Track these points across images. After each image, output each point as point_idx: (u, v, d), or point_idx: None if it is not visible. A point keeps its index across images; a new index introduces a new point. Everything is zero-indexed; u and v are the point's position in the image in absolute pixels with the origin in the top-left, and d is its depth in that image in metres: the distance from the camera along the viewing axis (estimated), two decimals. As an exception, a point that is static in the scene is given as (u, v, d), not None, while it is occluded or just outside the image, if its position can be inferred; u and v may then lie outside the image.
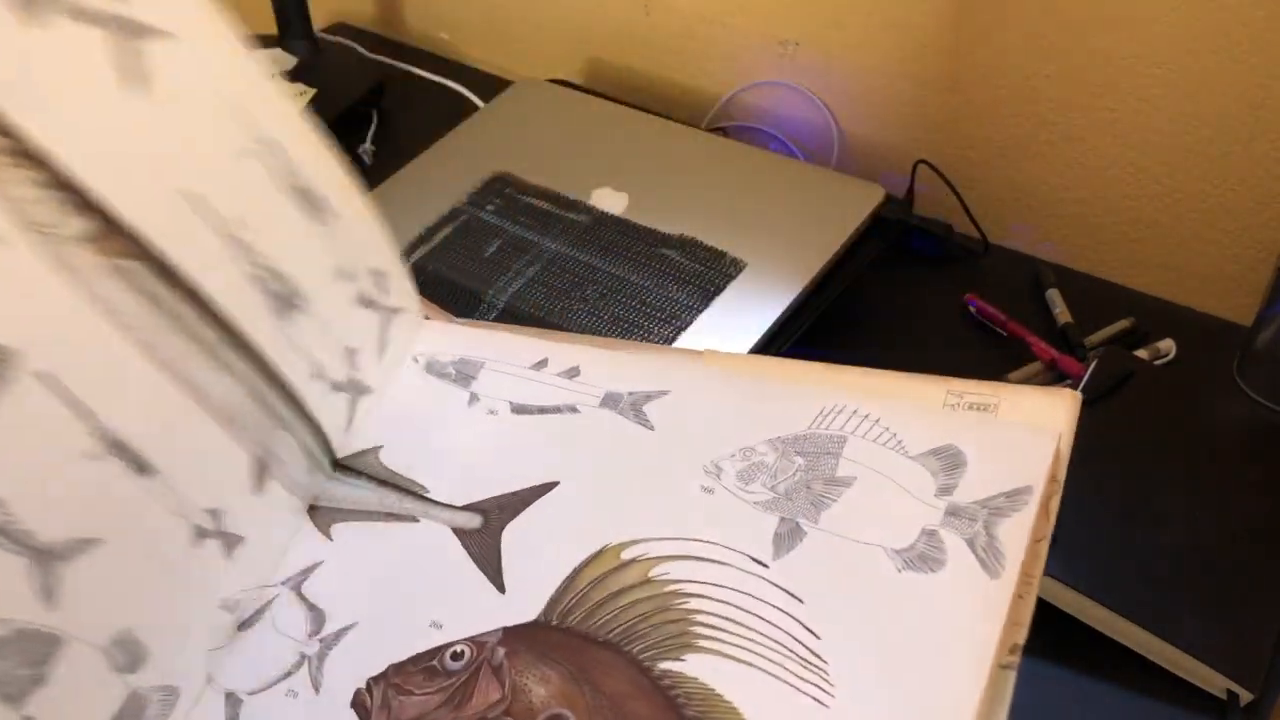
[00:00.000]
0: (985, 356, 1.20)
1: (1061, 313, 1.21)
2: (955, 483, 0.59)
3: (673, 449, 0.66)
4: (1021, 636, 0.56)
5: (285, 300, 0.59)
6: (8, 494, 0.48)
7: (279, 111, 0.61)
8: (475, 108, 1.44)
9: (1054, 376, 1.17)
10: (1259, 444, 1.05)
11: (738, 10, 1.44)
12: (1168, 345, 1.17)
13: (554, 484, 0.65)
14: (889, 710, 0.54)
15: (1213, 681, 0.86)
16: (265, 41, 1.48)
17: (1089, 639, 0.89)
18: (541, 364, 0.72)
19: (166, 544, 0.56)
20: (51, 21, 0.51)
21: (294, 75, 1.43)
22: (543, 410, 0.69)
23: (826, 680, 0.55)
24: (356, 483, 0.65)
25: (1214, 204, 1.24)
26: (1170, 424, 1.06)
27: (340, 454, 0.67)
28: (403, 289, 0.70)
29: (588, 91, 1.38)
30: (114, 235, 0.52)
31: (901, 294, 1.25)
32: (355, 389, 0.65)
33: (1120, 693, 0.88)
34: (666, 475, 0.64)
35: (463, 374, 0.72)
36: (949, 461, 0.60)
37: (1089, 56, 1.23)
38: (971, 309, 1.23)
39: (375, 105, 1.44)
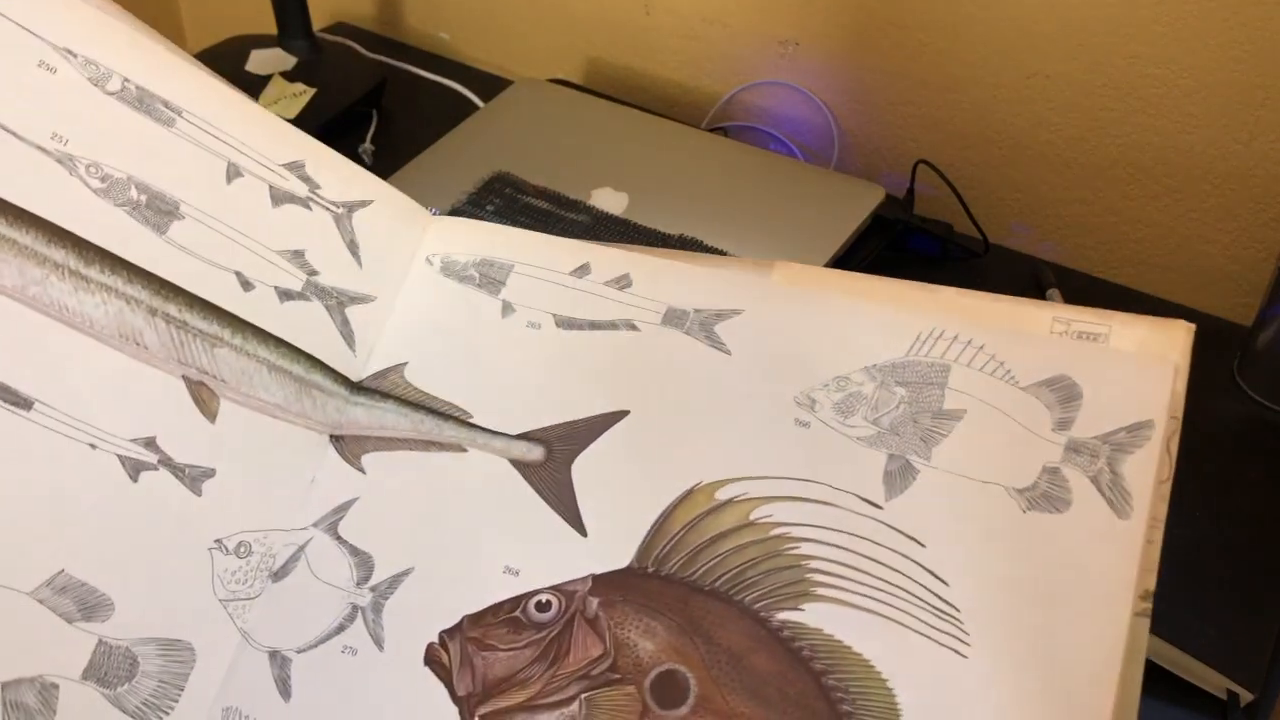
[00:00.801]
0: (985, 357, 1.26)
1: None
2: (1072, 416, 0.54)
3: (756, 377, 0.59)
4: (1151, 583, 0.51)
5: (157, 209, 0.57)
6: None
7: (78, 17, 0.58)
8: (475, 108, 1.40)
9: (1054, 376, 1.21)
10: (1259, 444, 1.03)
11: (738, 10, 1.40)
12: None
13: (624, 413, 0.59)
14: (1028, 659, 0.50)
15: (1213, 681, 0.84)
16: (265, 41, 1.44)
17: None
18: (583, 270, 0.65)
19: (85, 478, 0.54)
20: None
21: (294, 75, 1.38)
22: (594, 325, 0.62)
23: (961, 629, 0.51)
24: (382, 405, 0.61)
25: (1214, 204, 1.21)
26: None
27: (357, 375, 0.62)
28: (349, 180, 0.65)
29: (588, 91, 1.34)
30: None
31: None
32: (330, 296, 0.61)
33: None
34: (754, 406, 0.58)
35: (488, 277, 0.65)
36: (1064, 393, 0.55)
37: (1089, 56, 1.20)
38: None
39: (375, 105, 1.41)
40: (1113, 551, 0.51)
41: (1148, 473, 0.52)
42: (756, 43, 1.40)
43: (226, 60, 1.37)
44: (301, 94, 1.35)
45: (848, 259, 1.09)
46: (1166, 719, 0.84)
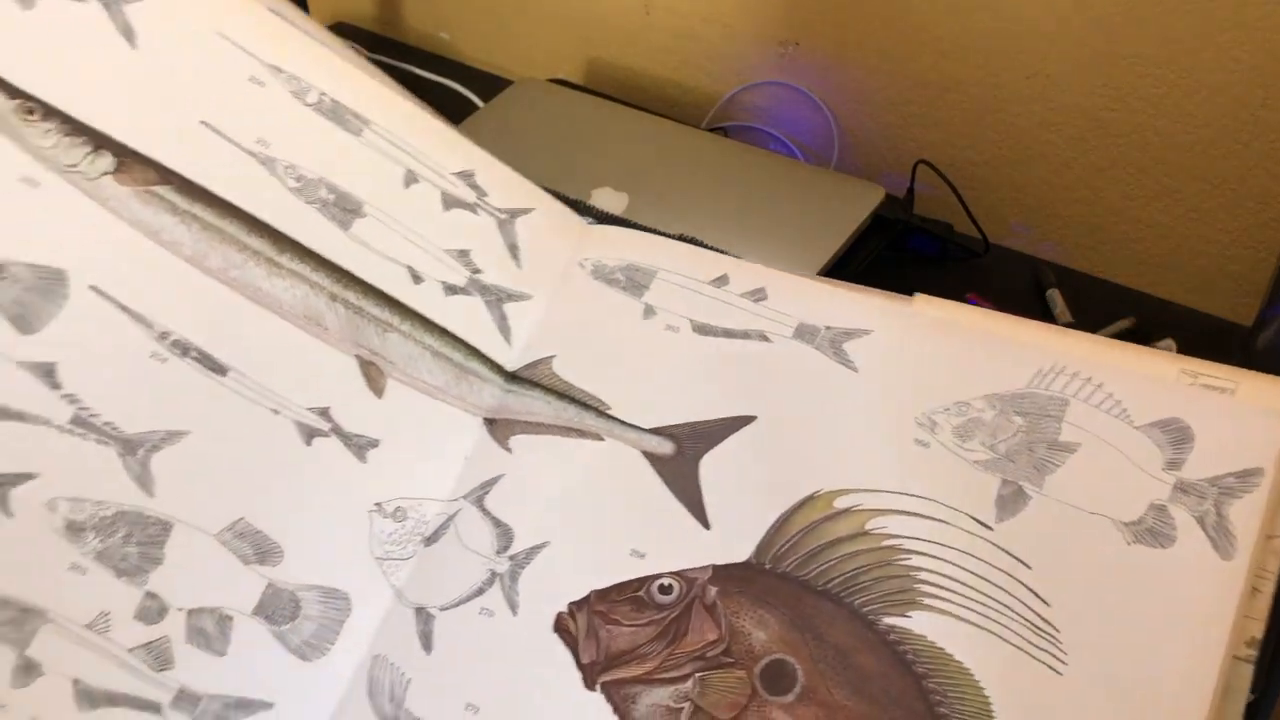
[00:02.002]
0: (986, 357, 1.23)
1: (1061, 312, 1.15)
2: (1184, 458, 0.56)
3: (880, 395, 0.62)
4: (1258, 631, 0.52)
5: (342, 208, 0.65)
6: (84, 390, 0.56)
7: (285, 38, 0.67)
8: (475, 108, 1.37)
9: (1053, 377, 1.19)
10: None
11: (738, 10, 1.35)
12: (1168, 345, 1.11)
13: (751, 418, 0.62)
14: (1119, 685, 0.52)
15: None
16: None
17: None
18: (721, 281, 0.68)
19: (265, 439, 0.61)
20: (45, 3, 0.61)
21: (294, 75, 1.48)
22: (729, 334, 0.66)
23: (1060, 648, 0.53)
24: (531, 394, 0.65)
25: (1214, 204, 1.18)
26: None
27: (511, 365, 0.67)
28: (513, 189, 0.71)
29: (588, 91, 1.31)
30: (135, 167, 0.60)
31: (902, 294, 1.25)
32: (490, 293, 0.67)
33: None
34: (876, 423, 0.61)
35: (633, 282, 0.69)
36: (1176, 435, 0.57)
37: (1089, 56, 1.17)
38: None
39: (376, 105, 1.51)
40: (1212, 590, 0.53)
41: (1254, 517, 0.54)
42: (756, 43, 1.37)
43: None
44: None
45: (848, 259, 1.06)
46: None
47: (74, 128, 0.60)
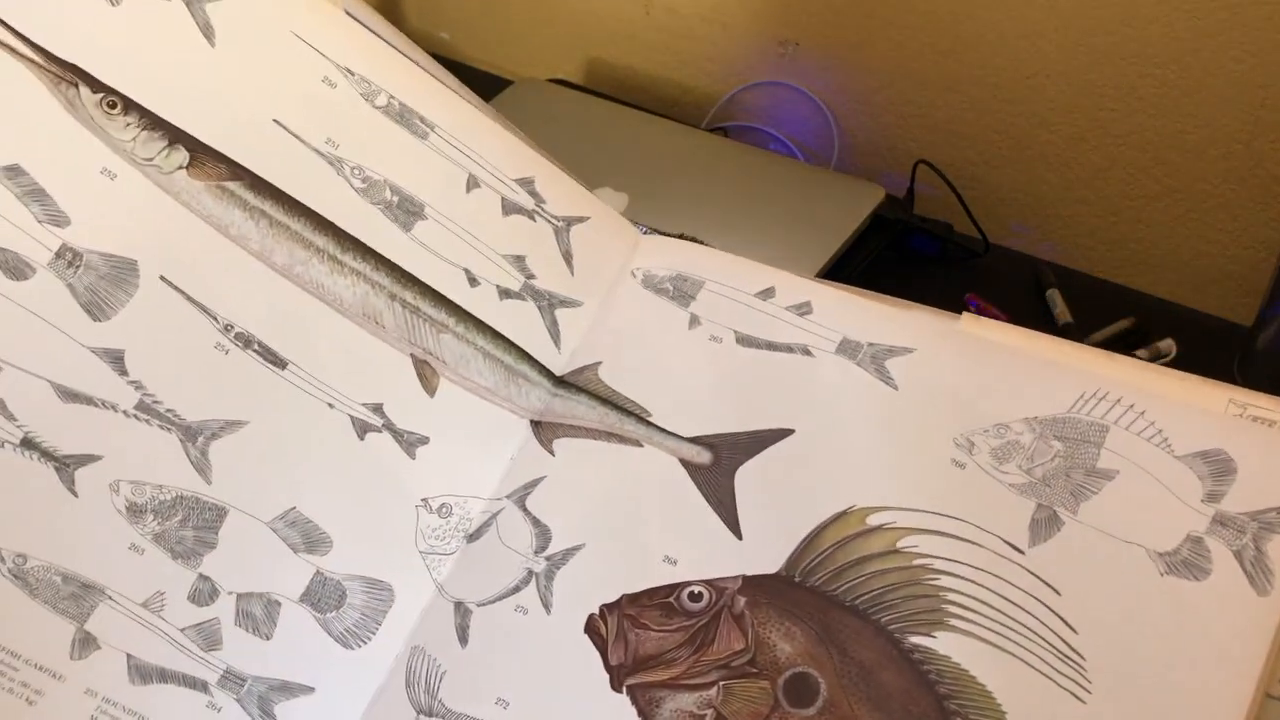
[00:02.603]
0: (986, 357, 1.21)
1: (1061, 313, 1.16)
2: (1224, 490, 0.56)
3: (920, 414, 0.62)
4: None
5: (405, 210, 0.67)
6: (148, 377, 0.59)
7: (357, 40, 0.69)
8: None
9: (1053, 377, 1.18)
10: None
11: (738, 10, 1.35)
12: (1168, 345, 1.12)
13: (789, 431, 0.63)
14: (1146, 716, 0.52)
15: None
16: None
17: None
18: (768, 293, 0.69)
19: (321, 432, 0.63)
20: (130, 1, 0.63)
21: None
22: (772, 347, 0.67)
23: (1084, 676, 0.54)
24: (577, 398, 0.68)
25: (1214, 204, 1.19)
26: None
27: (559, 370, 0.69)
28: (571, 197, 0.73)
29: (588, 91, 1.32)
30: (208, 162, 0.63)
31: (901, 294, 1.15)
32: (543, 298, 0.69)
33: None
34: (914, 442, 0.61)
35: (680, 291, 0.70)
36: (1219, 467, 0.57)
37: (1089, 56, 1.17)
38: (972, 309, 1.14)
39: (375, 104, 1.50)
40: (1246, 625, 0.53)
41: None
42: (756, 43, 1.37)
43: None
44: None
45: (848, 259, 1.06)
46: None
47: (152, 122, 0.62)
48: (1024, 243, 1.31)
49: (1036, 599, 0.55)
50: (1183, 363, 1.10)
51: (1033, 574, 0.56)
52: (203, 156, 0.63)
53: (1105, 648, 0.54)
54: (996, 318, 1.11)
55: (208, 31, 0.65)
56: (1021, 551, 0.57)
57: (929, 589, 0.57)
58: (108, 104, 0.62)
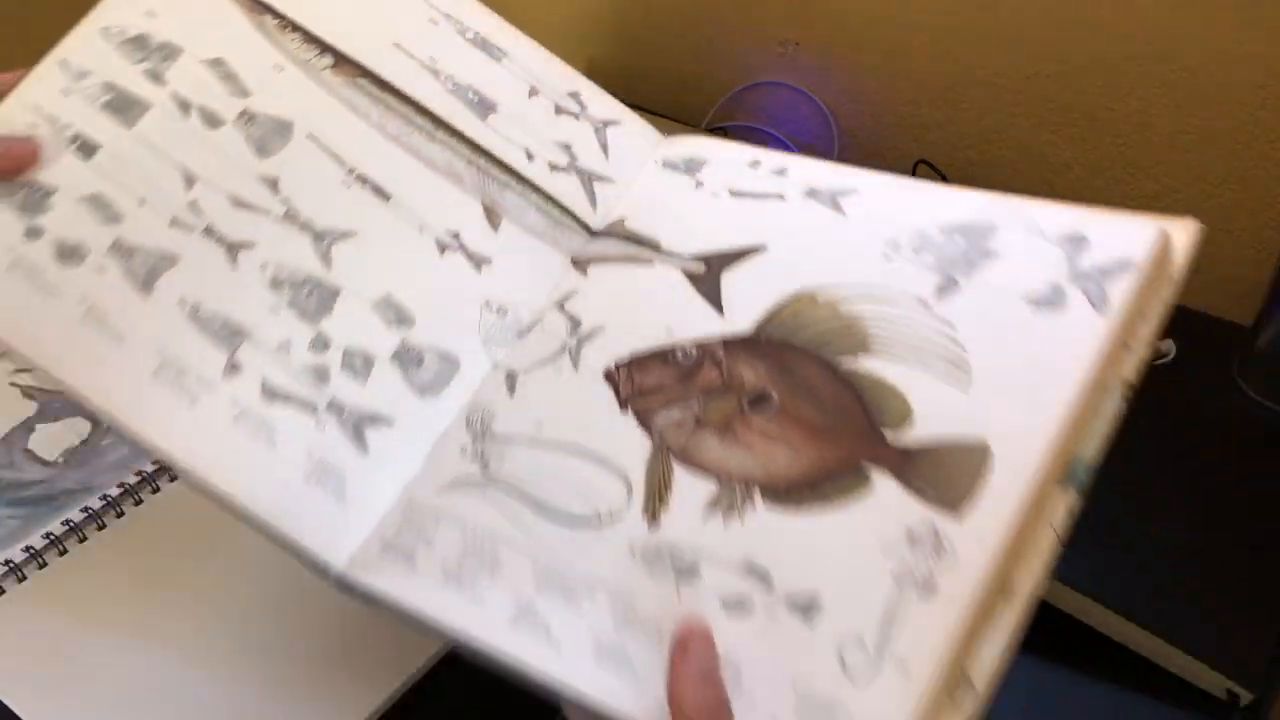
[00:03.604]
0: (985, 356, 1.24)
1: None
2: (1081, 254, 0.85)
3: (859, 230, 0.92)
4: (1132, 375, 0.80)
5: (483, 106, 1.02)
6: (294, 197, 0.93)
7: None
8: None
9: (1053, 377, 1.24)
10: (1259, 444, 1.15)
11: (738, 10, 1.53)
12: (1168, 345, 1.25)
13: (763, 246, 0.93)
14: (1010, 399, 0.78)
15: (1213, 681, 0.95)
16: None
17: (1089, 639, 0.99)
18: (756, 164, 1.01)
19: (412, 246, 0.95)
20: None
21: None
22: (755, 196, 0.98)
23: (970, 377, 0.81)
24: (606, 241, 1.00)
25: (1214, 204, 1.34)
26: (1171, 424, 1.13)
27: (595, 226, 1.02)
28: (607, 107, 1.10)
29: None
30: (347, 65, 0.97)
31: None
32: (584, 174, 1.04)
33: (1120, 693, 0.98)
34: (853, 247, 0.91)
35: (690, 168, 1.03)
36: (1079, 243, 0.86)
37: (1089, 56, 1.32)
38: None
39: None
40: (1090, 333, 0.79)
41: (1128, 289, 0.80)
42: (756, 43, 1.56)
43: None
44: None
45: None
46: (1167, 719, 0.96)
47: (308, 37, 1.00)
48: (1024, 242, 1.38)
49: (936, 329, 0.84)
50: (1183, 362, 1.25)
51: (935, 315, 0.84)
52: (342, 62, 1.01)
53: (985, 357, 0.82)
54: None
55: None
56: (929, 305, 0.85)
57: (859, 331, 0.85)
58: (280, 24, 1.01)
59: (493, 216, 1.03)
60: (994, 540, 0.75)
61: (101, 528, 1.14)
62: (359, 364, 0.94)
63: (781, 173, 1.02)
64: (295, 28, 1.04)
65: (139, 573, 1.09)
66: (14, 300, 0.90)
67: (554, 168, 1.06)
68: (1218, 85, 1.28)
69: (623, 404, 0.90)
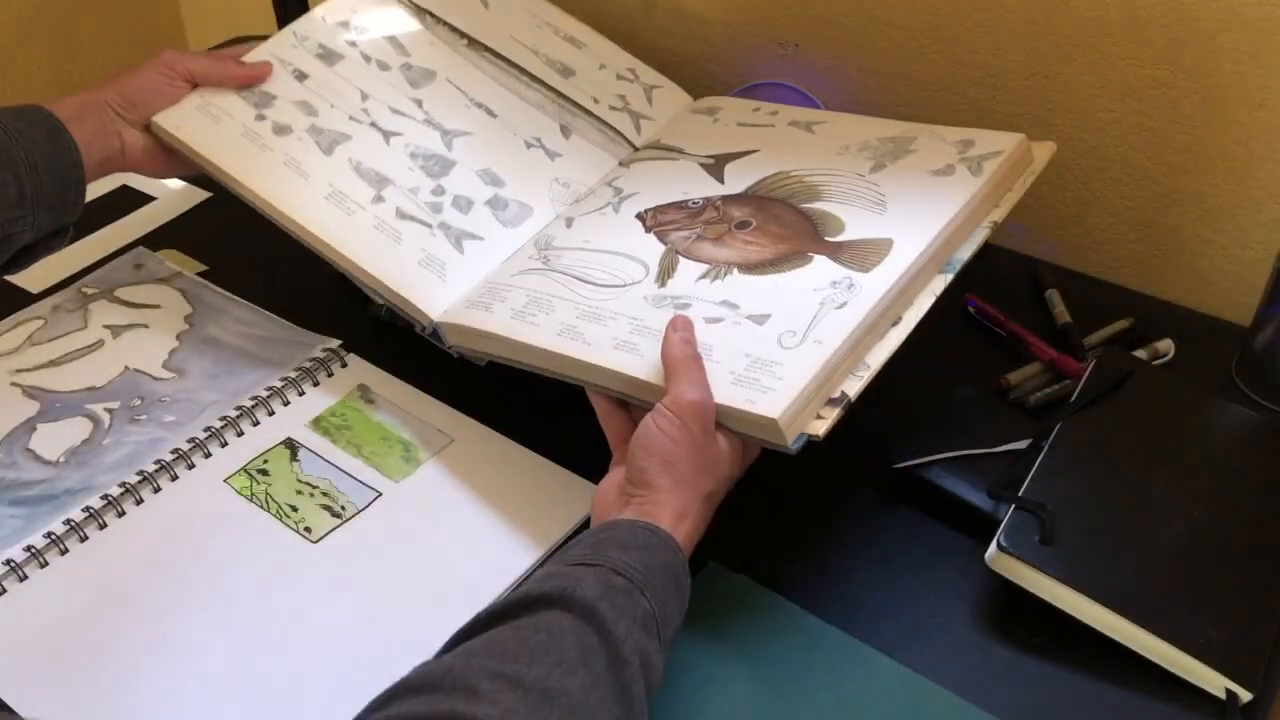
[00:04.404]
0: (985, 356, 1.28)
1: (1061, 313, 1.29)
2: (968, 151, 1.27)
3: (823, 142, 1.34)
4: (999, 216, 1.15)
5: (564, 70, 1.46)
6: (432, 111, 1.41)
7: (547, 10, 1.55)
8: None
9: (1053, 376, 1.24)
10: (1258, 444, 1.12)
11: (738, 10, 1.52)
12: (1167, 345, 1.25)
13: (755, 150, 1.31)
14: (910, 220, 1.13)
15: (1212, 681, 0.93)
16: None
17: (1089, 639, 0.97)
18: (756, 109, 1.41)
19: (506, 145, 1.39)
20: None
21: (300, 76, 1.53)
22: (755, 125, 1.42)
23: (886, 210, 1.17)
24: (646, 150, 1.38)
25: (1214, 204, 1.30)
26: (1169, 424, 1.13)
27: (639, 144, 1.40)
28: (653, 77, 1.51)
29: None
30: (477, 44, 1.49)
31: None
32: (633, 114, 1.45)
33: (1120, 693, 0.97)
34: (818, 151, 1.30)
35: (710, 112, 1.42)
36: (968, 144, 1.28)
37: (1088, 56, 1.30)
38: (971, 309, 1.32)
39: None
40: (965, 187, 1.16)
41: (996, 165, 1.17)
42: (756, 43, 1.55)
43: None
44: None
45: None
46: (1166, 719, 0.94)
47: (453, 28, 1.47)
48: (1024, 243, 1.44)
49: (868, 186, 1.19)
50: (1182, 362, 1.23)
51: (867, 181, 1.18)
52: (475, 42, 1.44)
53: (898, 199, 1.20)
54: (995, 318, 1.32)
55: (485, 5, 1.49)
56: (864, 176, 1.18)
57: (816, 188, 1.20)
58: (435, 20, 1.43)
59: (565, 132, 1.42)
60: (887, 283, 1.06)
61: (103, 527, 1.12)
62: (464, 204, 1.32)
63: (774, 113, 1.40)
64: (444, 23, 1.50)
65: (139, 572, 1.08)
66: (242, 152, 1.33)
67: (612, 108, 1.45)
68: (1215, 86, 1.30)
69: (646, 229, 1.24)
